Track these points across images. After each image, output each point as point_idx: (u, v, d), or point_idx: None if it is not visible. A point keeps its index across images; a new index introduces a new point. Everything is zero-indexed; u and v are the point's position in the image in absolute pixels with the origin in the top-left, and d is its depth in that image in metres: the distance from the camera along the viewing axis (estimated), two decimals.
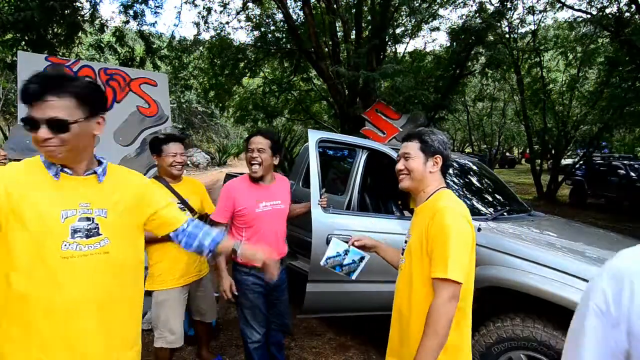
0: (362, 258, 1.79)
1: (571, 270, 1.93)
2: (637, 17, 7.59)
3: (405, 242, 1.49)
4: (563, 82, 11.01)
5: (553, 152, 11.87)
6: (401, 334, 1.40)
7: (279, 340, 2.37)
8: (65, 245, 1.04)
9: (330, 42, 8.02)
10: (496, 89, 14.17)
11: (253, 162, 2.08)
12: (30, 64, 2.86)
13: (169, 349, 2.19)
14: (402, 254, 1.48)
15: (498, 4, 7.32)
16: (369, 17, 8.03)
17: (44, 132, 0.99)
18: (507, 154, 26.79)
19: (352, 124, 6.71)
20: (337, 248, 1.79)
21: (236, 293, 2.12)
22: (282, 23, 8.98)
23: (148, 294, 2.16)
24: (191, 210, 2.27)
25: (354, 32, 7.87)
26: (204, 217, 2.35)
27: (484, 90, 12.50)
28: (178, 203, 2.21)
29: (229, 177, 5.36)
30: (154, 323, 2.22)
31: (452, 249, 1.20)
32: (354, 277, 1.81)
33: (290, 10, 8.22)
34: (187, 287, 2.29)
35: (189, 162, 18.78)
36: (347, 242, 1.76)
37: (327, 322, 3.41)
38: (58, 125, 1.00)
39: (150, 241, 2.14)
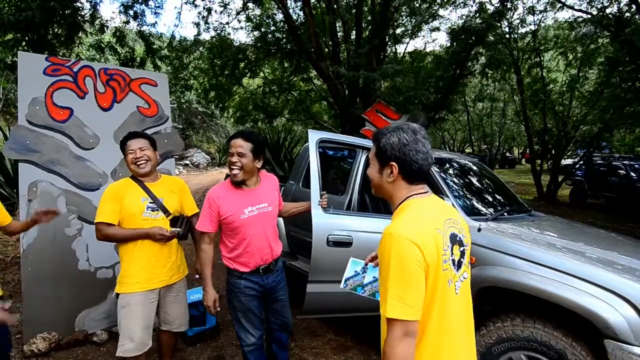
0: None
1: (571, 271, 1.93)
2: (637, 17, 7.58)
3: None
4: (563, 82, 10.99)
5: (553, 152, 11.86)
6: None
7: (282, 339, 2.34)
8: None
9: (330, 43, 8.02)
10: (496, 89, 14.16)
11: (233, 167, 2.00)
12: (30, 64, 2.86)
13: (131, 358, 2.04)
14: None
15: (498, 4, 7.32)
16: (369, 17, 8.04)
17: None
18: (507, 154, 26.76)
19: (352, 124, 6.71)
20: (355, 267, 1.69)
21: (218, 309, 2.09)
22: (282, 23, 8.98)
23: (116, 295, 2.12)
24: (164, 210, 2.18)
25: (354, 32, 7.88)
26: (179, 219, 2.24)
27: (484, 90, 12.51)
28: (150, 202, 2.14)
29: (228, 177, 5.36)
30: (118, 328, 2.10)
31: (392, 284, 1.03)
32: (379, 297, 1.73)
33: (291, 11, 8.22)
34: (156, 292, 2.16)
35: (188, 162, 18.76)
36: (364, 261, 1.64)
37: (327, 323, 3.41)
38: None
39: (121, 240, 2.10)
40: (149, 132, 3.25)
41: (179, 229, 2.17)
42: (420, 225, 1.08)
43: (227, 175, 2.21)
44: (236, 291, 2.08)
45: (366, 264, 1.63)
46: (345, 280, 1.71)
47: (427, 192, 1.22)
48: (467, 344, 1.21)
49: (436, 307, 1.09)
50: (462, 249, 1.19)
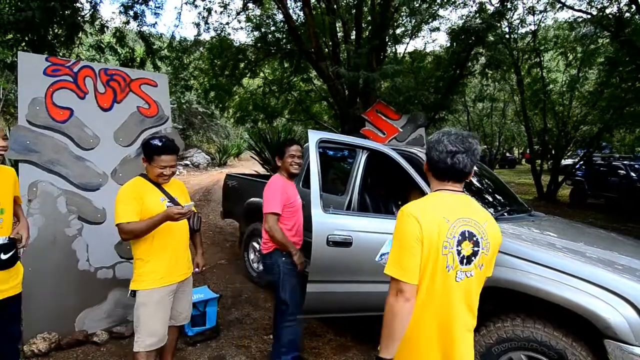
0: None
1: (571, 271, 1.94)
2: (637, 17, 7.59)
3: None
4: (563, 82, 11.01)
5: (553, 152, 11.88)
6: None
7: None
8: None
9: (330, 43, 8.02)
10: (496, 90, 14.17)
11: (297, 165, 2.61)
12: (30, 64, 2.86)
13: (147, 352, 2.08)
14: None
15: (498, 4, 7.33)
16: (369, 18, 8.03)
17: None
18: (508, 154, 26.77)
19: (352, 124, 6.71)
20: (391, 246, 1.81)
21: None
22: (282, 23, 8.98)
23: (133, 294, 2.12)
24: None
25: (354, 32, 7.87)
26: (192, 215, 2.32)
27: (484, 90, 12.51)
28: (168, 202, 2.17)
29: (229, 177, 5.36)
30: (135, 325, 2.11)
31: (394, 248, 1.26)
32: None
33: (291, 11, 8.22)
34: (174, 287, 2.20)
35: (189, 163, 18.77)
36: None
37: (327, 323, 3.41)
38: None
39: (144, 232, 2.07)
40: (148, 132, 3.26)
41: (192, 202, 2.20)
42: (427, 209, 1.27)
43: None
44: (291, 269, 2.49)
45: None
46: (382, 255, 1.93)
47: (457, 190, 1.35)
48: (460, 337, 1.28)
49: (425, 282, 1.24)
50: (476, 249, 1.28)
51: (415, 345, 1.28)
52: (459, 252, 1.24)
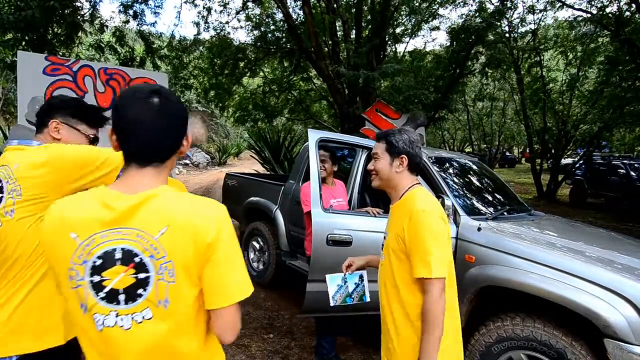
0: (361, 277, 1.82)
1: (571, 270, 1.93)
2: (637, 16, 7.58)
3: (384, 238, 1.51)
4: (563, 81, 11.00)
5: (553, 151, 11.87)
6: (394, 330, 1.40)
7: None
8: None
9: (330, 42, 8.02)
10: (496, 89, 14.16)
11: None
12: (30, 64, 2.86)
13: None
14: (382, 250, 1.51)
15: (498, 3, 7.33)
16: (369, 17, 8.03)
17: None
18: (507, 153, 26.74)
19: (352, 123, 6.71)
20: (336, 281, 1.78)
21: None
22: (282, 22, 8.98)
23: None
24: None
25: (353, 31, 7.88)
26: None
27: (484, 89, 12.49)
28: None
29: (229, 176, 5.36)
30: None
31: (432, 249, 1.26)
32: (367, 298, 1.84)
33: (290, 10, 8.21)
34: None
35: (188, 162, 18.76)
36: (341, 272, 1.76)
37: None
38: None
39: None
40: None
41: None
42: (439, 207, 1.36)
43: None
44: None
45: (345, 273, 1.73)
46: (333, 297, 1.78)
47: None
48: None
49: (450, 269, 1.36)
50: None
51: (456, 330, 1.38)
52: None
